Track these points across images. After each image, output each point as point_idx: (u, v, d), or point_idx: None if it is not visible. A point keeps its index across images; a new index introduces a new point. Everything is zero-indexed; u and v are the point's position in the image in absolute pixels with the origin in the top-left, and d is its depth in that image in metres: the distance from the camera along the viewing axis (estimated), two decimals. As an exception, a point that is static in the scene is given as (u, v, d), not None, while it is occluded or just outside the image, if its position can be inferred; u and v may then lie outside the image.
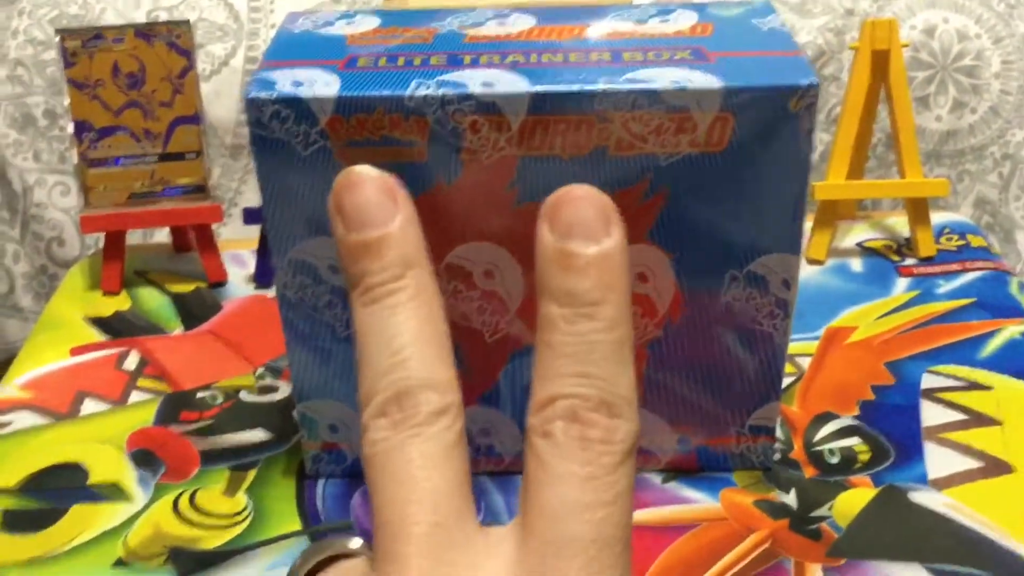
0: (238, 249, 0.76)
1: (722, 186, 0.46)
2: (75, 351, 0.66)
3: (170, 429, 0.58)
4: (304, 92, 0.44)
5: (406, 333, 0.30)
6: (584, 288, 0.29)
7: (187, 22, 0.69)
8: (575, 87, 0.44)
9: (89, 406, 0.60)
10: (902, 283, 0.71)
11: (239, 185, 0.87)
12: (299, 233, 0.47)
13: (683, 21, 0.51)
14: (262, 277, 0.72)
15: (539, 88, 0.44)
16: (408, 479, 0.28)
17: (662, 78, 0.44)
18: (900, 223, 0.78)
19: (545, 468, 0.28)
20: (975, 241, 0.75)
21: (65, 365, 0.64)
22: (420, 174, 0.46)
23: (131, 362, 0.64)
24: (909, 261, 0.73)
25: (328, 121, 0.45)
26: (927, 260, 0.73)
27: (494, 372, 0.51)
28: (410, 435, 0.29)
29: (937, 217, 0.77)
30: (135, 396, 0.61)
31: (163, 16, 0.86)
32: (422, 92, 0.44)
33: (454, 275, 0.48)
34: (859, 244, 0.75)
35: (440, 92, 0.44)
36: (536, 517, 0.28)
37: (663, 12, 0.52)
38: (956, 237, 0.76)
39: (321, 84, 0.45)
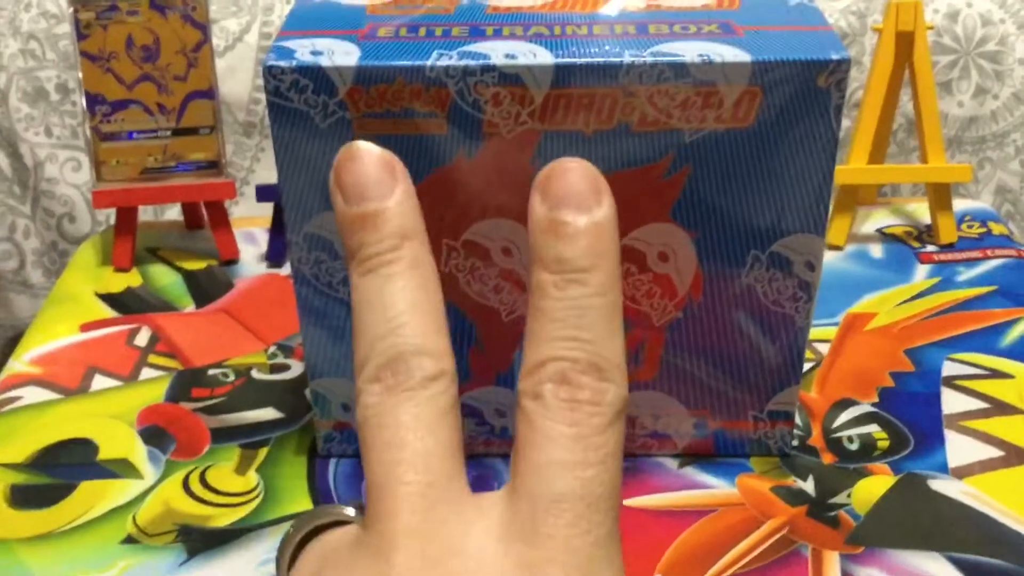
0: (250, 227, 0.76)
1: (747, 163, 0.45)
2: (85, 327, 0.65)
3: (181, 406, 0.57)
4: (324, 61, 0.43)
5: (401, 302, 0.30)
6: (574, 254, 0.29)
7: (202, -6, 0.68)
8: (600, 59, 0.43)
9: (99, 382, 0.60)
10: (922, 270, 0.70)
11: (251, 163, 0.86)
12: (315, 207, 0.46)
13: (709, -4, 0.50)
14: (275, 255, 0.71)
15: (563, 60, 0.43)
16: (399, 441, 0.28)
17: (689, 51, 0.43)
18: (920, 209, 0.77)
19: (534, 429, 0.28)
20: (996, 229, 0.74)
21: (75, 341, 0.64)
22: (440, 147, 0.45)
23: (142, 339, 0.64)
24: (930, 248, 0.72)
25: (347, 91, 0.44)
26: (948, 247, 0.72)
27: (510, 352, 0.50)
28: (403, 399, 0.29)
29: (958, 204, 0.76)
30: (146, 372, 0.60)
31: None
32: (443, 63, 0.43)
33: (472, 252, 0.47)
34: (879, 230, 0.74)
35: (462, 63, 0.43)
36: (525, 476, 0.28)
37: (688, -13, 0.51)
38: (977, 224, 0.75)
39: (341, 53, 0.44)
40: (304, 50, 0.44)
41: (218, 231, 0.71)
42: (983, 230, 0.74)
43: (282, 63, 0.44)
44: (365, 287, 0.31)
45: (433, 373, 0.29)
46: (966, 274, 0.69)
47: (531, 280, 0.30)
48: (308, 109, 0.44)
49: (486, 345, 0.50)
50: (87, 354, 0.62)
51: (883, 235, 0.74)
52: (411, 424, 0.29)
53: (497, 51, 0.44)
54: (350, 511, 0.32)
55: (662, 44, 0.44)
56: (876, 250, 0.72)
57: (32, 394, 0.59)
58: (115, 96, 0.68)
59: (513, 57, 0.44)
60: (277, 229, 0.72)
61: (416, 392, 0.29)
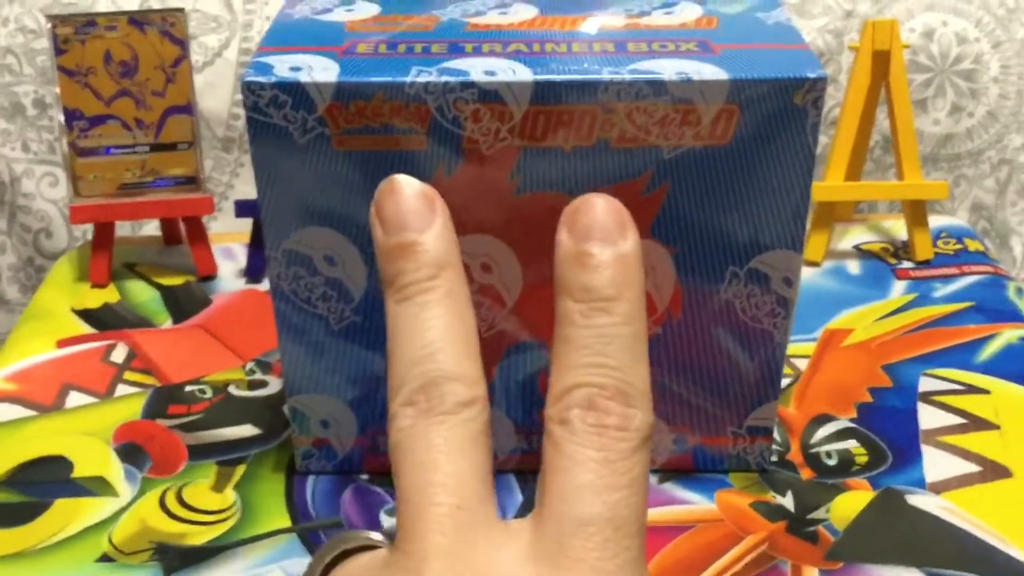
0: (229, 243, 0.75)
1: (725, 180, 0.45)
2: (61, 343, 0.64)
3: (157, 423, 0.57)
4: (303, 77, 0.43)
5: (436, 328, 0.31)
6: (600, 284, 0.30)
7: (181, 10, 0.68)
8: (579, 76, 0.43)
9: (75, 399, 0.59)
10: (899, 286, 0.70)
11: (230, 179, 0.86)
12: (295, 223, 0.46)
13: (688, 14, 0.50)
14: (253, 271, 0.71)
15: (542, 77, 0.43)
16: (431, 463, 0.29)
17: (668, 69, 0.44)
18: (897, 226, 0.77)
19: (562, 454, 0.29)
20: (972, 245, 0.75)
21: (51, 357, 0.63)
22: (419, 163, 0.45)
23: (118, 355, 0.63)
24: (906, 264, 0.72)
25: (326, 108, 0.44)
26: (924, 263, 0.72)
27: (489, 368, 0.50)
28: (436, 422, 0.29)
29: (934, 221, 0.76)
30: (122, 389, 0.60)
31: (156, 5, 0.85)
32: (423, 79, 0.43)
33: (451, 268, 0.47)
34: (856, 246, 0.75)
35: (442, 79, 0.43)
36: (553, 501, 0.29)
37: (667, 5, 0.52)
38: (953, 241, 0.75)
39: (319, 70, 0.44)
40: (283, 66, 0.44)
41: (196, 247, 0.70)
42: (959, 246, 0.75)
43: (261, 79, 0.43)
44: (401, 314, 0.31)
45: (466, 399, 0.30)
46: (942, 290, 0.69)
47: (557, 309, 0.31)
48: (287, 125, 0.44)
49: (465, 361, 0.49)
50: (63, 370, 0.62)
51: (860, 251, 0.74)
52: (443, 447, 0.29)
53: (477, 68, 0.44)
54: (378, 536, 0.32)
55: (641, 62, 0.45)
56: (853, 266, 0.72)
57: (6, 411, 0.58)
58: (93, 111, 0.67)
59: (493, 74, 0.44)
60: (256, 245, 0.71)
61: (449, 417, 0.29)
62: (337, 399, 0.51)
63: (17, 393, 0.60)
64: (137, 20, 0.67)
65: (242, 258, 0.74)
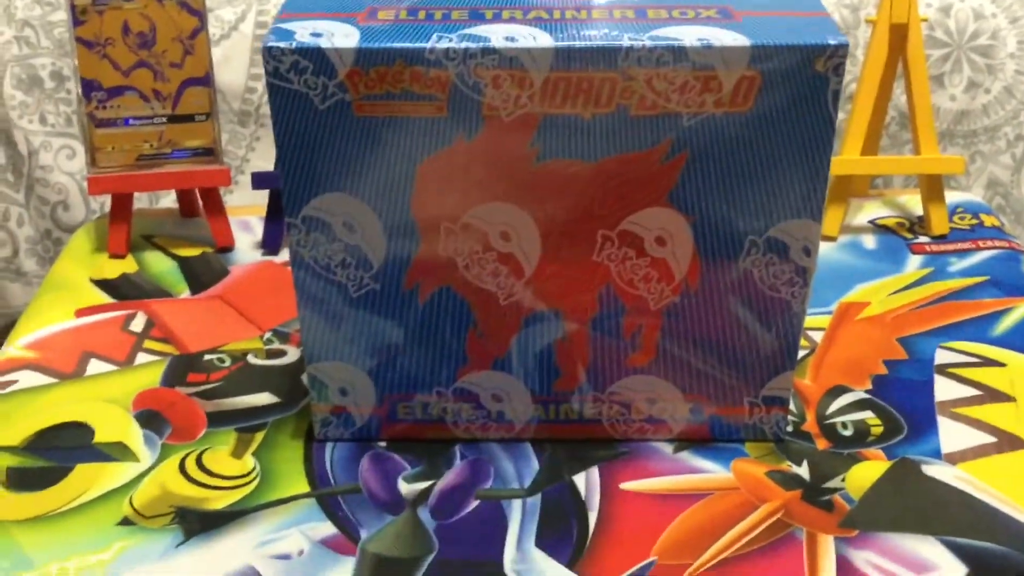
0: (246, 215, 0.76)
1: (745, 148, 0.45)
2: (80, 312, 0.65)
3: (177, 391, 0.57)
4: (323, 43, 0.43)
5: None
6: None
7: (199, -19, 0.68)
8: (599, 43, 0.43)
9: (95, 366, 0.60)
10: (915, 260, 0.70)
11: (247, 152, 0.86)
12: (314, 189, 0.46)
13: (707, -18, 0.50)
14: (270, 243, 0.71)
15: (563, 44, 0.43)
16: None
17: (688, 36, 0.44)
18: (912, 201, 0.77)
19: None
20: (988, 221, 0.75)
21: (70, 326, 0.64)
22: (439, 130, 0.45)
23: (137, 324, 0.64)
24: (922, 239, 0.72)
25: (347, 73, 0.44)
26: (940, 238, 0.72)
27: (507, 337, 0.50)
28: None
29: (950, 196, 0.76)
30: (141, 357, 0.60)
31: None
32: (444, 45, 0.43)
33: (471, 236, 0.47)
34: (872, 221, 0.75)
35: (462, 45, 0.43)
36: None
37: (686, -26, 0.51)
38: (969, 216, 0.75)
39: (340, 35, 0.44)
40: (304, 31, 0.44)
41: (213, 218, 0.71)
42: (975, 222, 0.75)
43: (282, 44, 0.44)
44: None
45: None
46: (958, 264, 0.69)
47: None
48: (307, 91, 0.44)
49: (484, 329, 0.50)
50: (82, 339, 0.62)
51: (876, 226, 0.74)
52: None
53: (497, 34, 0.44)
54: None
55: (661, 28, 0.45)
56: (869, 241, 0.72)
57: (27, 378, 0.58)
58: (111, 83, 0.67)
59: (513, 40, 0.44)
60: (273, 217, 0.71)
61: None
62: (355, 367, 0.51)
63: (38, 361, 0.60)
64: (155, -9, 0.67)
65: (259, 231, 0.74)
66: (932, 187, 0.72)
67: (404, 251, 0.48)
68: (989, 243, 0.72)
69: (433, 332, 0.50)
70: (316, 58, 0.44)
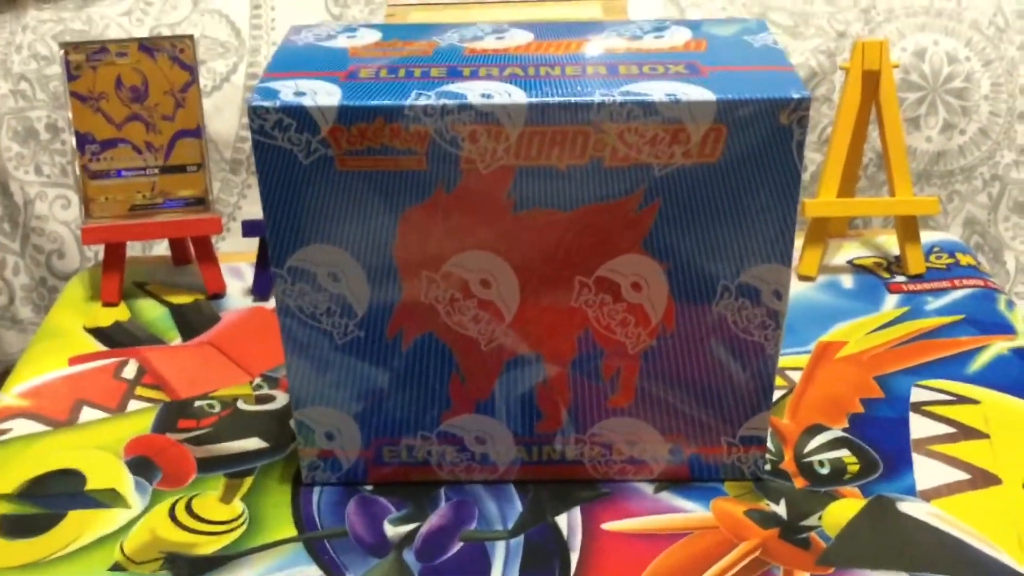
0: (236, 262, 0.77)
1: (715, 197, 0.47)
2: (74, 360, 0.66)
3: (168, 437, 0.59)
4: (306, 101, 0.45)
5: None
6: None
7: (191, 37, 0.70)
8: (572, 99, 0.45)
9: (87, 414, 0.61)
10: (892, 299, 0.71)
11: (238, 199, 0.87)
12: (299, 240, 0.48)
13: (678, 37, 0.52)
14: (260, 289, 0.73)
15: (536, 100, 0.45)
16: None
17: (657, 91, 0.45)
18: (890, 241, 0.79)
19: None
20: (964, 259, 0.76)
21: (64, 374, 0.65)
22: (420, 182, 0.47)
23: (129, 371, 0.65)
24: (899, 278, 0.74)
25: (329, 130, 0.46)
26: (917, 277, 0.74)
27: (490, 380, 0.51)
28: None
29: (927, 236, 0.78)
30: (133, 404, 0.62)
31: (166, 32, 0.88)
32: (422, 102, 0.45)
33: (452, 283, 0.49)
34: (850, 261, 0.76)
35: (440, 102, 0.45)
36: None
37: (658, 29, 0.53)
38: (946, 255, 0.77)
39: (323, 94, 0.46)
40: (288, 90, 0.46)
41: (205, 266, 0.72)
42: (951, 260, 0.76)
43: (266, 103, 0.45)
44: None
45: None
46: (934, 303, 0.71)
47: None
48: (291, 147, 0.46)
49: (466, 374, 0.51)
50: (75, 387, 0.63)
51: (853, 266, 0.76)
52: None
53: (474, 91, 0.46)
54: None
55: (631, 84, 0.46)
56: (847, 280, 0.74)
57: (21, 426, 0.60)
58: (104, 135, 0.69)
59: (489, 96, 0.45)
60: (263, 264, 0.73)
61: None
62: (342, 412, 0.52)
63: (31, 409, 0.61)
64: (147, 46, 0.69)
65: (249, 277, 0.75)
66: (908, 228, 0.74)
67: (387, 299, 0.49)
68: (965, 282, 0.73)
69: (417, 377, 0.51)
70: (300, 116, 0.45)
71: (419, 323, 0.50)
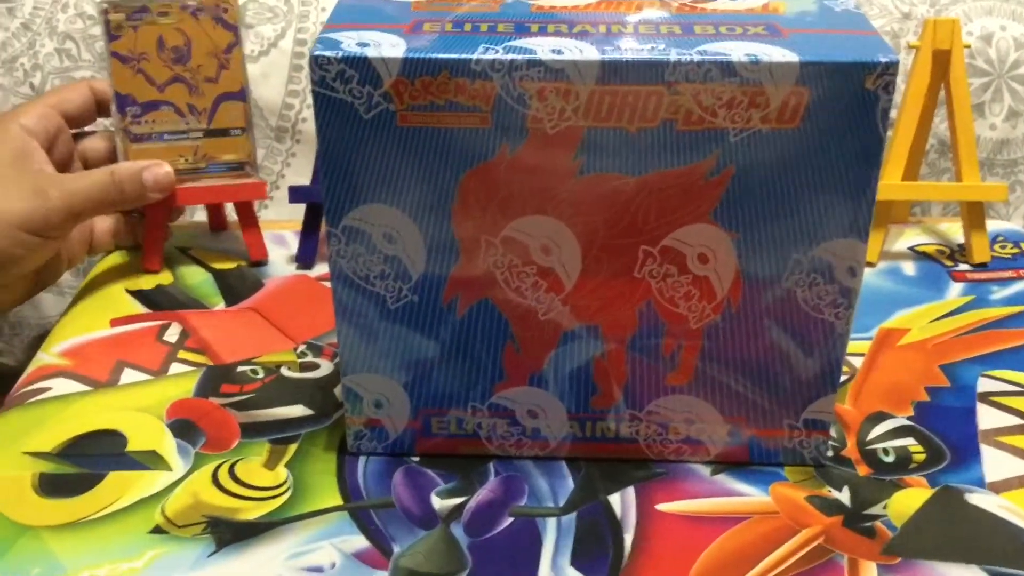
0: (280, 230, 0.76)
1: (792, 165, 0.45)
2: (115, 322, 0.65)
3: (211, 401, 0.57)
4: (370, 52, 0.43)
5: None
6: None
7: (237, -5, 0.68)
8: (646, 57, 0.43)
9: (129, 375, 0.60)
10: (956, 288, 0.69)
11: (282, 168, 0.86)
12: (356, 199, 0.46)
13: (753, 0, 0.50)
14: (305, 257, 0.71)
15: (609, 57, 0.43)
16: None
17: (736, 51, 0.43)
18: (952, 229, 0.76)
19: None
20: (1030, 250, 0.73)
21: (105, 335, 0.64)
22: (483, 141, 0.45)
23: (172, 334, 0.63)
24: (962, 266, 0.71)
25: (392, 83, 0.44)
26: (981, 266, 0.71)
27: (545, 352, 0.50)
28: None
29: (990, 225, 0.75)
30: (175, 368, 0.60)
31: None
32: (489, 56, 0.43)
33: (511, 249, 0.47)
34: (911, 248, 0.74)
35: (508, 57, 0.43)
36: None
37: (732, -8, 0.51)
38: (1010, 245, 0.74)
39: (387, 45, 0.44)
40: (350, 41, 0.44)
41: (248, 232, 0.71)
42: (1016, 251, 0.74)
43: (328, 53, 0.44)
44: None
45: None
46: (999, 293, 0.68)
47: None
48: (352, 100, 0.44)
49: (521, 344, 0.49)
50: (117, 348, 0.62)
51: (915, 253, 0.73)
52: None
53: (543, 46, 0.44)
54: None
55: (708, 44, 0.44)
56: (909, 267, 0.71)
57: (61, 385, 0.58)
58: (146, 97, 0.68)
59: (559, 52, 0.43)
60: (308, 231, 0.71)
61: None
62: (391, 380, 0.50)
63: (72, 368, 0.60)
64: (190, 6, 0.68)
65: (293, 245, 0.74)
66: (974, 215, 0.71)
67: (443, 264, 0.47)
68: (1031, 272, 0.71)
69: (470, 346, 0.49)
70: (362, 67, 0.43)
71: (475, 290, 0.48)
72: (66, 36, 0.86)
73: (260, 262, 0.71)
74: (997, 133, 0.86)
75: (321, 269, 0.71)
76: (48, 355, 0.62)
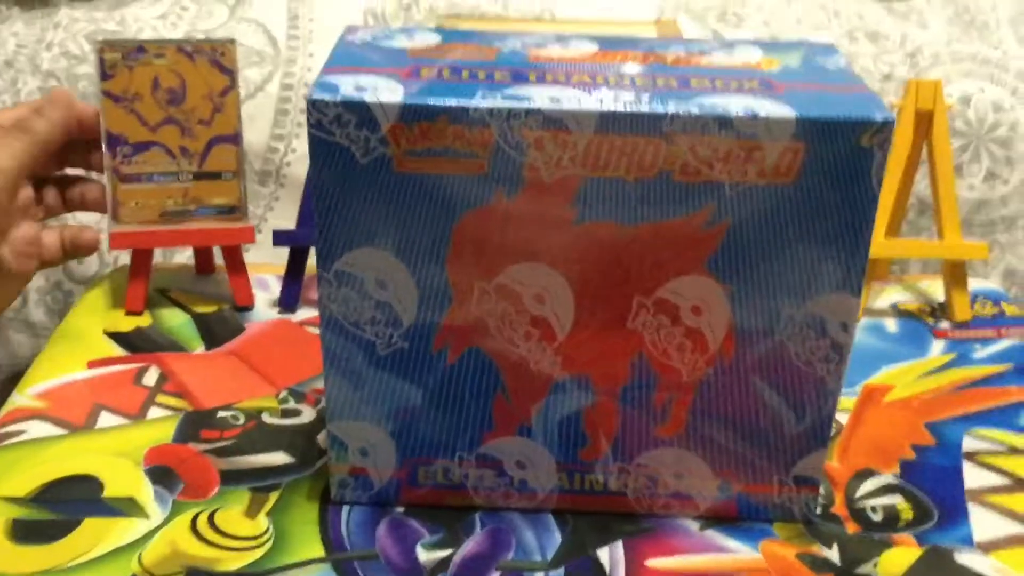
0: (262, 273, 0.75)
1: (787, 219, 0.45)
2: (93, 364, 0.64)
3: (190, 447, 0.56)
4: (368, 97, 0.43)
5: None
6: None
7: (232, 40, 0.68)
8: (645, 108, 0.43)
9: (106, 419, 0.58)
10: (938, 345, 0.69)
11: (264, 212, 0.85)
12: (349, 243, 0.46)
13: (748, 55, 0.50)
14: (287, 302, 0.70)
15: (608, 107, 0.43)
16: None
17: (733, 105, 0.44)
18: (933, 287, 0.77)
19: None
20: (1009, 309, 0.74)
21: (82, 377, 0.62)
22: (479, 187, 0.45)
23: (150, 378, 0.62)
24: (944, 324, 0.72)
25: (390, 128, 0.44)
26: (962, 324, 0.72)
27: (535, 402, 0.49)
28: None
29: (970, 284, 0.76)
30: (154, 412, 0.59)
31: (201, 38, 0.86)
32: (488, 103, 0.43)
33: (504, 296, 0.47)
34: (893, 305, 0.74)
35: (506, 104, 0.43)
36: None
37: (726, 46, 0.52)
38: (990, 304, 0.75)
39: (385, 90, 0.44)
40: (348, 85, 0.44)
41: (234, 276, 0.70)
42: (996, 310, 0.74)
43: (326, 96, 0.43)
44: None
45: None
46: (982, 351, 0.69)
47: None
48: (349, 144, 0.44)
49: (511, 394, 0.49)
50: (94, 391, 0.61)
51: (897, 310, 0.74)
52: None
53: (541, 95, 0.44)
54: None
55: (705, 97, 0.44)
56: (891, 324, 0.72)
57: (36, 428, 0.57)
58: (137, 138, 0.67)
59: (558, 101, 0.44)
60: (292, 275, 0.71)
61: None
62: (378, 427, 0.50)
63: (47, 411, 0.59)
64: (186, 49, 0.67)
65: (275, 288, 0.73)
66: (955, 273, 0.72)
67: (435, 310, 0.47)
68: (1012, 331, 0.71)
69: (459, 395, 0.49)
70: (360, 111, 0.43)
71: (466, 337, 0.47)
72: (49, 74, 0.86)
73: (246, 307, 0.70)
74: (975, 194, 0.87)
75: (304, 314, 0.70)
76: (23, 396, 0.60)
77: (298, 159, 0.85)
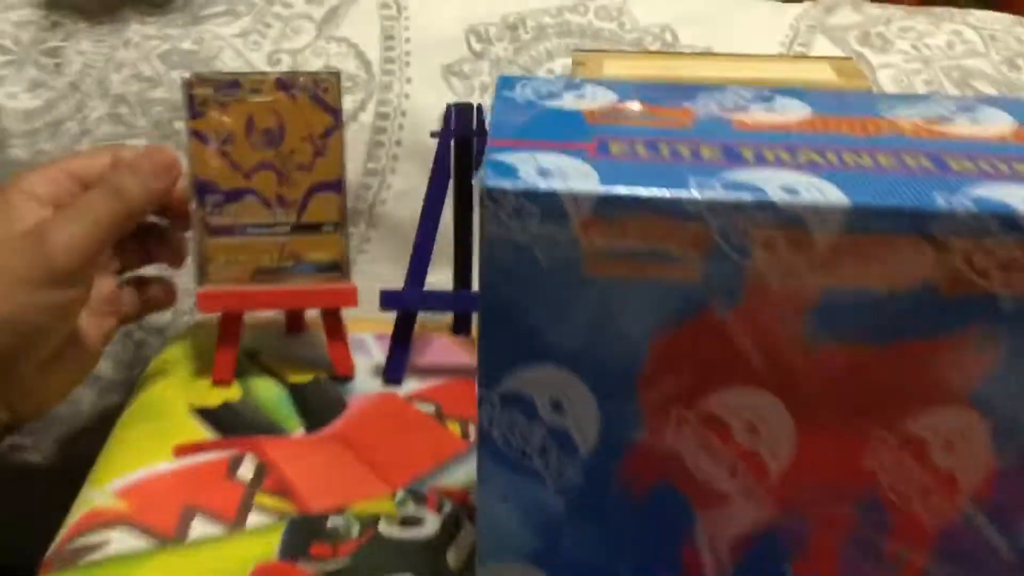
0: (359, 332, 0.66)
1: (1081, 342, 0.35)
2: (179, 451, 0.55)
3: (299, 567, 0.48)
4: (557, 185, 0.34)
5: None
6: None
7: (336, 73, 0.60)
8: (907, 203, 0.34)
9: (199, 527, 0.50)
10: None
11: (354, 255, 0.77)
12: (520, 359, 0.37)
13: (999, 124, 0.41)
14: (395, 372, 0.62)
15: (861, 201, 0.34)
16: None
17: (1014, 196, 0.34)
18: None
19: None
20: None
21: (168, 469, 0.54)
22: (687, 297, 0.36)
23: (247, 469, 0.54)
24: None
25: (582, 223, 0.35)
26: None
27: (735, 550, 0.40)
28: None
29: None
30: (253, 517, 0.51)
31: (285, 60, 0.78)
32: (707, 195, 0.34)
33: (708, 425, 0.38)
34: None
35: (732, 196, 0.34)
36: None
37: (966, 109, 0.42)
38: None
39: (575, 175, 0.35)
40: (528, 167, 0.35)
41: (333, 342, 0.62)
42: None
43: (505, 184, 0.34)
44: None
45: None
46: None
47: None
48: (531, 243, 0.35)
49: (709, 540, 0.40)
50: (183, 489, 0.53)
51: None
52: None
53: (771, 183, 0.35)
54: None
55: (976, 186, 0.35)
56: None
57: (121, 539, 0.49)
58: (229, 185, 0.59)
59: (795, 192, 0.34)
60: (398, 341, 0.62)
61: None
62: (542, 573, 0.41)
63: (131, 515, 0.51)
64: (286, 83, 0.59)
65: (375, 351, 0.65)
66: None
67: (622, 438, 0.38)
68: None
69: (643, 540, 0.40)
70: (547, 203, 0.34)
71: (656, 472, 0.39)
72: (120, 99, 0.77)
73: (346, 378, 0.62)
74: None
75: (410, 386, 0.62)
76: (102, 493, 0.52)
77: (394, 197, 0.76)
